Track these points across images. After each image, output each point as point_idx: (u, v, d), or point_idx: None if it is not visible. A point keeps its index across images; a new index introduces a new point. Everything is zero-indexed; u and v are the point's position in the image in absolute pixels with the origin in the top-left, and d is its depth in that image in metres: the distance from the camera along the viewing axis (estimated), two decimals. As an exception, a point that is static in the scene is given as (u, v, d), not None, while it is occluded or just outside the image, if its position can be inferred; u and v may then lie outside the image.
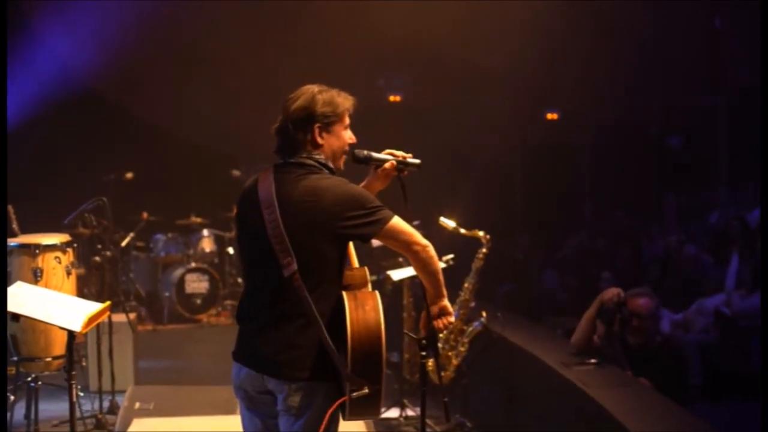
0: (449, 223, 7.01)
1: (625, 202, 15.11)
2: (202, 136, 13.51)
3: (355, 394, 3.64)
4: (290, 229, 3.77)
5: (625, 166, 15.82)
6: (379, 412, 3.80)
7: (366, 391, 3.64)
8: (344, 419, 3.80)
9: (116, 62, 12.47)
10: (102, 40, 12.41)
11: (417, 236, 3.87)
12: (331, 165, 3.94)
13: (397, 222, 3.84)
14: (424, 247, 3.88)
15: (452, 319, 4.06)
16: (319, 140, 3.90)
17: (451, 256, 7.24)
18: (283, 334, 3.80)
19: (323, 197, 3.78)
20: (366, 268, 4.01)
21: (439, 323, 4.03)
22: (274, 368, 3.81)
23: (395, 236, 3.85)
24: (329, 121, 3.91)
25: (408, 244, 3.86)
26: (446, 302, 4.00)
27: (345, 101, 3.97)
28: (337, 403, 3.73)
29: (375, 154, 4.06)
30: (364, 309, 3.72)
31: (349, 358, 3.65)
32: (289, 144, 3.93)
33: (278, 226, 3.77)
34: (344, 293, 3.80)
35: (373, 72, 14.62)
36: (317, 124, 3.89)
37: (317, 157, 3.91)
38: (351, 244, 3.95)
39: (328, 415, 3.73)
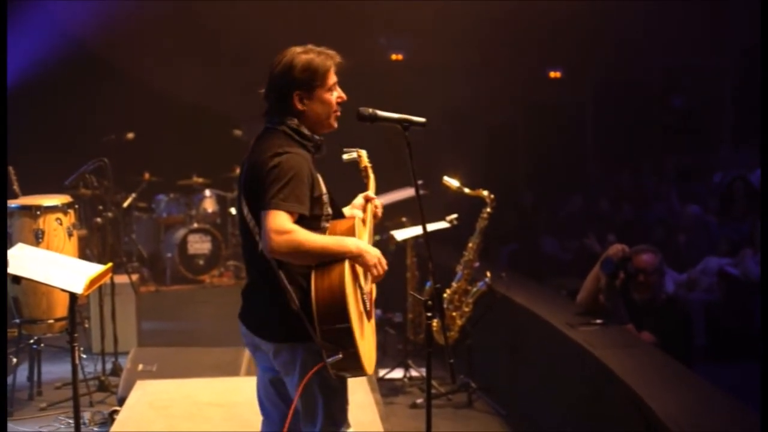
0: (453, 182, 6.97)
1: (627, 161, 15.08)
2: (204, 95, 13.43)
3: (330, 360, 3.66)
4: (245, 195, 3.82)
5: (627, 126, 15.78)
6: (365, 371, 3.77)
7: (340, 356, 3.64)
8: (334, 377, 3.79)
9: (116, 23, 12.39)
10: (101, 2, 12.33)
11: (283, 231, 3.60)
12: (306, 132, 3.84)
13: (279, 215, 3.62)
14: (278, 242, 3.60)
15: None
16: (300, 107, 3.83)
17: (455, 215, 7.20)
18: (260, 297, 3.87)
19: (252, 156, 3.80)
20: (354, 218, 3.95)
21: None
22: (258, 328, 3.88)
23: (265, 222, 3.64)
24: (309, 87, 3.83)
25: (267, 233, 3.61)
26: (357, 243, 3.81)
27: (326, 61, 3.86)
28: (315, 368, 3.71)
29: (380, 113, 3.95)
30: (329, 275, 3.67)
31: (317, 325, 3.64)
32: (271, 110, 3.89)
33: (243, 193, 3.84)
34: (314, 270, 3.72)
35: (375, 31, 14.52)
36: (297, 92, 3.82)
37: (290, 123, 3.83)
38: (325, 203, 3.86)
39: (306, 379, 3.72)
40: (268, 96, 3.89)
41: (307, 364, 3.74)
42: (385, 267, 3.84)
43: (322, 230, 3.83)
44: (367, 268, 3.81)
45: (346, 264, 3.71)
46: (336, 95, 3.90)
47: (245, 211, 3.80)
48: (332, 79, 3.89)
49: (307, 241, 3.62)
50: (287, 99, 3.83)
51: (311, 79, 3.82)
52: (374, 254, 3.80)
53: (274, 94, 3.86)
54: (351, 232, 3.85)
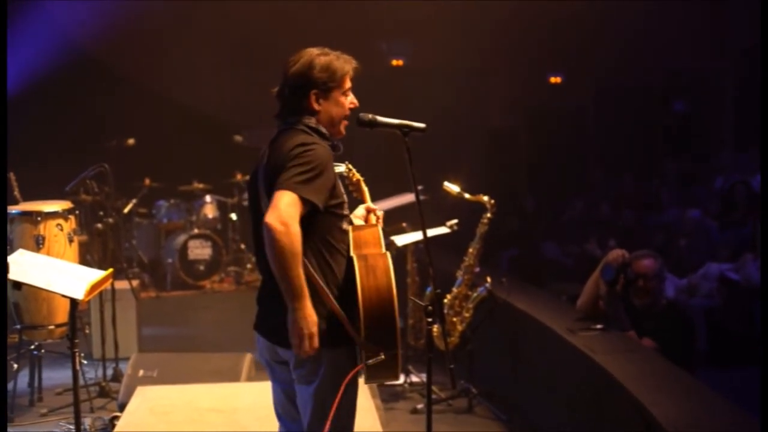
0: (453, 187, 6.96)
1: (628, 165, 15.08)
2: (205, 101, 13.43)
3: (371, 361, 3.61)
4: (268, 193, 3.70)
5: (628, 129, 15.79)
6: (397, 375, 3.78)
7: (382, 357, 3.60)
8: (365, 383, 3.78)
9: (117, 28, 12.41)
10: (102, 6, 12.34)
11: (285, 221, 3.51)
12: (323, 130, 3.84)
13: (289, 197, 3.57)
14: (277, 229, 3.51)
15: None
16: (316, 106, 3.83)
17: (455, 221, 7.19)
18: (280, 301, 3.70)
19: (274, 154, 3.75)
20: (378, 226, 3.95)
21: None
22: (281, 337, 3.73)
23: (275, 202, 3.58)
24: (327, 88, 3.83)
25: (271, 209, 3.55)
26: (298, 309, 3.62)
27: (345, 65, 3.87)
28: (354, 371, 3.68)
29: (380, 118, 3.96)
30: (375, 274, 3.65)
31: (363, 326, 3.61)
32: (286, 109, 3.88)
33: (265, 193, 3.74)
34: (355, 257, 3.73)
35: (376, 36, 14.53)
36: (314, 91, 3.82)
37: (308, 122, 3.82)
38: (345, 202, 3.84)
39: (343, 386, 3.66)
40: (282, 95, 3.87)
41: (332, 373, 3.69)
42: (307, 350, 3.59)
43: (342, 231, 3.81)
44: (290, 331, 3.60)
45: (390, 261, 3.71)
46: (349, 100, 3.92)
47: (265, 208, 3.69)
48: (348, 83, 3.90)
49: (295, 253, 3.49)
50: (304, 98, 3.82)
51: (329, 80, 3.83)
52: (307, 329, 3.57)
53: (289, 93, 3.84)
54: (376, 239, 3.86)
